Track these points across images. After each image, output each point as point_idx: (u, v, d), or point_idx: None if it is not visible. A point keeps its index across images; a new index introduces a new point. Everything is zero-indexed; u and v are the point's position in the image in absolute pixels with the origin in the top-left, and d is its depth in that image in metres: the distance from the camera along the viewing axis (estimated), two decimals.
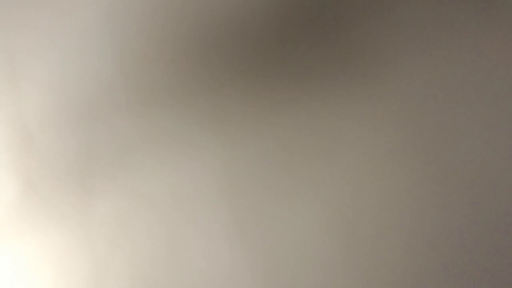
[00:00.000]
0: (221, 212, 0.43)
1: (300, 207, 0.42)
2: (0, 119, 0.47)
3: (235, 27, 0.47)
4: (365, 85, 0.44)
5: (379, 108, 0.44)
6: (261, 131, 0.45)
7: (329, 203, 0.42)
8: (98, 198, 0.44)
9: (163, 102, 0.46)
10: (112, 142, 0.46)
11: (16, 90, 0.47)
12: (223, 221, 0.43)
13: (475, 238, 0.40)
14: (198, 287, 0.42)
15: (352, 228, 0.42)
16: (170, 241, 0.43)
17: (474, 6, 0.45)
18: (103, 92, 0.47)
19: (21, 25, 0.49)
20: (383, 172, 0.42)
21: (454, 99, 0.43)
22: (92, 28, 0.48)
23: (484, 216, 0.41)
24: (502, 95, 0.43)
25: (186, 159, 0.45)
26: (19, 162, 0.46)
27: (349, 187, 0.42)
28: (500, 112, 0.43)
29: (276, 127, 0.44)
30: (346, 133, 0.44)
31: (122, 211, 0.44)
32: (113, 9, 0.48)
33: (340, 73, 0.45)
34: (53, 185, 0.45)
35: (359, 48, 0.45)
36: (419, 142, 0.43)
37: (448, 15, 0.45)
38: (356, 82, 0.44)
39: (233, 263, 0.42)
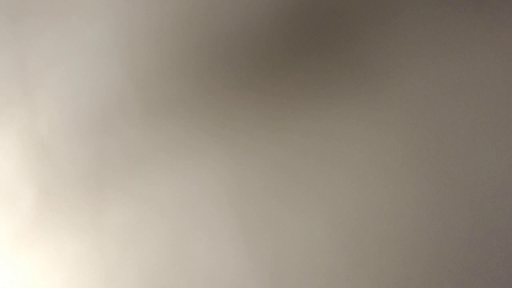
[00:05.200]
0: (229, 219, 0.43)
1: (306, 213, 0.43)
2: (14, 130, 0.47)
3: (243, 37, 0.47)
4: (371, 91, 0.44)
5: (385, 113, 0.44)
6: (268, 140, 0.45)
7: (335, 209, 0.42)
8: (110, 206, 0.45)
9: (173, 112, 0.46)
10: (123, 152, 0.46)
11: (30, 102, 0.48)
12: (232, 227, 0.43)
13: (482, 243, 0.40)
14: None
15: (358, 234, 0.42)
16: (179, 248, 0.43)
17: (475, 12, 0.45)
18: (114, 103, 0.47)
19: (35, 39, 0.49)
20: (389, 177, 0.42)
21: (458, 104, 0.43)
22: (103, 41, 0.48)
23: (491, 221, 0.41)
24: (505, 99, 0.43)
25: (194, 167, 0.45)
26: (33, 172, 0.46)
27: (356, 192, 0.42)
28: (504, 116, 0.42)
29: (283, 134, 0.45)
30: (352, 138, 0.44)
31: (133, 220, 0.44)
32: (123, 21, 0.49)
33: (346, 79, 0.45)
34: (66, 194, 0.45)
35: (364, 55, 0.45)
36: (425, 147, 0.43)
37: (450, 21, 0.45)
38: (361, 88, 0.44)
39: (241, 269, 0.42)
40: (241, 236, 0.43)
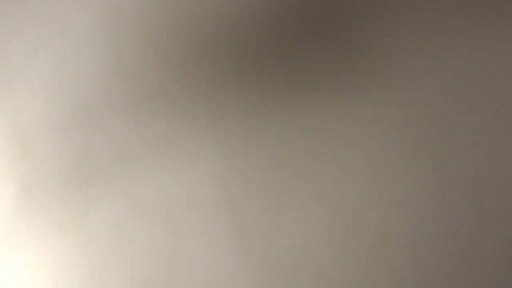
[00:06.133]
0: (220, 219, 0.43)
1: (303, 212, 0.42)
2: None
3: (233, 31, 0.47)
4: (370, 86, 0.44)
5: (384, 110, 0.44)
6: (259, 137, 0.44)
7: (333, 205, 0.42)
8: (95, 204, 0.44)
9: (160, 108, 0.46)
10: (108, 148, 0.45)
11: (12, 97, 0.47)
12: (222, 228, 0.43)
13: (481, 241, 0.40)
14: None
15: (357, 232, 0.42)
16: (167, 248, 0.43)
17: (476, 9, 0.45)
18: (100, 97, 0.46)
19: (17, 31, 0.49)
20: (388, 175, 0.42)
21: (460, 100, 0.43)
22: (88, 34, 0.48)
23: (490, 220, 0.41)
24: (506, 97, 0.43)
25: (184, 164, 0.44)
26: (16, 168, 0.46)
27: (354, 189, 0.42)
28: (505, 113, 0.43)
29: (275, 134, 0.44)
30: (350, 135, 0.44)
31: (119, 218, 0.44)
32: (108, 14, 0.48)
33: (344, 74, 0.45)
34: (49, 191, 0.45)
35: (362, 49, 0.45)
36: (424, 144, 0.43)
37: (452, 16, 0.45)
38: (360, 83, 0.44)
39: (232, 270, 0.42)
40: (233, 237, 0.42)
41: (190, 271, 0.42)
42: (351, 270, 0.41)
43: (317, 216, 0.42)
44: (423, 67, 0.44)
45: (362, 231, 0.42)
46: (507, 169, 0.41)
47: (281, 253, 0.42)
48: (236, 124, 0.45)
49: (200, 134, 0.45)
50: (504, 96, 0.43)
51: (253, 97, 0.45)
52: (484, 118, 0.43)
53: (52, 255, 0.44)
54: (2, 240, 0.44)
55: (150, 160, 0.45)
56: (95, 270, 0.43)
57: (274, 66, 0.46)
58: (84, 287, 0.43)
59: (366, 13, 0.46)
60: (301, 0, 0.47)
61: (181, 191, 0.44)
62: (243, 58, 0.46)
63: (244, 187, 0.43)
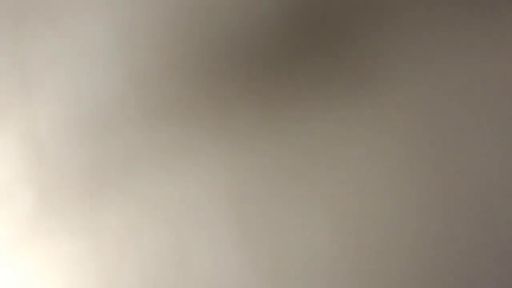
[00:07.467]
0: (229, 219, 0.43)
1: (306, 213, 0.42)
2: (13, 131, 0.47)
3: (243, 39, 0.47)
4: (372, 92, 0.44)
5: (386, 114, 0.44)
6: (269, 141, 0.45)
7: (335, 208, 0.42)
8: (110, 208, 0.44)
9: (173, 113, 0.46)
10: (123, 153, 0.46)
11: (29, 103, 0.48)
12: (231, 228, 0.43)
13: (481, 241, 0.40)
14: None
15: (359, 233, 0.41)
16: (179, 249, 0.43)
17: (474, 13, 0.45)
18: (114, 104, 0.47)
19: (34, 39, 0.49)
20: (389, 177, 0.42)
21: (459, 104, 0.43)
22: (104, 42, 0.49)
23: (490, 220, 0.41)
24: (505, 99, 0.43)
25: (195, 168, 0.45)
26: (32, 173, 0.46)
27: (356, 192, 0.42)
28: (504, 116, 0.42)
29: (283, 135, 0.45)
30: (352, 139, 0.44)
31: (133, 221, 0.44)
32: (124, 22, 0.49)
33: (346, 80, 0.45)
34: (65, 196, 0.45)
35: (364, 56, 0.45)
36: (425, 147, 0.43)
37: (451, 21, 0.45)
38: (362, 89, 0.44)
39: (241, 269, 0.42)
40: (242, 238, 0.43)
41: (202, 271, 0.42)
42: (356, 272, 0.41)
43: (322, 219, 0.42)
44: (425, 69, 0.44)
45: (366, 234, 0.41)
46: (508, 170, 0.42)
47: (286, 255, 0.42)
48: (246, 128, 0.45)
49: (211, 139, 0.45)
50: (503, 97, 0.43)
51: (262, 103, 0.45)
52: (484, 120, 0.42)
53: (67, 256, 0.44)
54: (19, 242, 0.45)
55: (162, 164, 0.45)
56: (108, 271, 0.43)
57: (283, 73, 0.46)
58: (99, 287, 0.43)
59: (367, 17, 0.46)
60: (303, 9, 0.47)
61: (192, 194, 0.44)
62: (253, 66, 0.46)
63: (252, 191, 0.44)
